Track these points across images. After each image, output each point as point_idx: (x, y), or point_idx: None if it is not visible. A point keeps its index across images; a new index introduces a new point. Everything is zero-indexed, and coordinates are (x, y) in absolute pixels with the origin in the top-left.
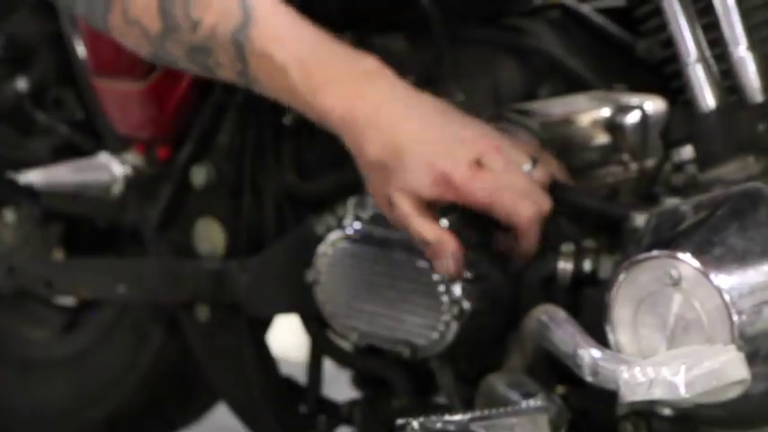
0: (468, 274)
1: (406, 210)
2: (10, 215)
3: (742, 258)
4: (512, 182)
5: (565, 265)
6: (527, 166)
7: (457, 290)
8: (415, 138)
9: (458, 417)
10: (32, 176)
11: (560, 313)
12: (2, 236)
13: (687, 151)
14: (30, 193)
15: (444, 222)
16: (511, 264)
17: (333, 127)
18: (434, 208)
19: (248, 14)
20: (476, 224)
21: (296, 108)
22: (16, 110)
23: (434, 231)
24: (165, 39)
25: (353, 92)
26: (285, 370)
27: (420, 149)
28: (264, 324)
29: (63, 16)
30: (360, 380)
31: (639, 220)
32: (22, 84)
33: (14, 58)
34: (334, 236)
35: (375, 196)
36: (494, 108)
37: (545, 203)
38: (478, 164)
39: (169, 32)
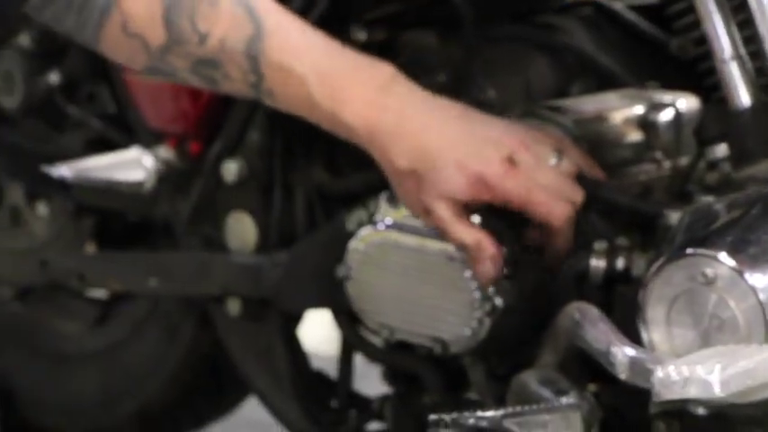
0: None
1: (444, 215)
2: (43, 208)
3: None
4: (544, 178)
5: (597, 263)
6: (553, 160)
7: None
8: (443, 141)
9: (490, 413)
10: (65, 170)
11: (593, 311)
12: (34, 229)
13: (721, 149)
14: (62, 186)
15: (476, 219)
16: (544, 260)
17: (356, 139)
18: (468, 209)
19: (259, 26)
20: (506, 219)
21: (313, 120)
22: (48, 103)
23: (473, 235)
24: (168, 51)
25: (376, 102)
26: (316, 365)
27: (450, 152)
28: (295, 318)
29: None
30: (391, 375)
31: (673, 217)
32: (54, 77)
33: (47, 52)
34: (365, 231)
35: (409, 204)
36: (525, 105)
37: (576, 195)
38: (510, 161)
39: (173, 45)
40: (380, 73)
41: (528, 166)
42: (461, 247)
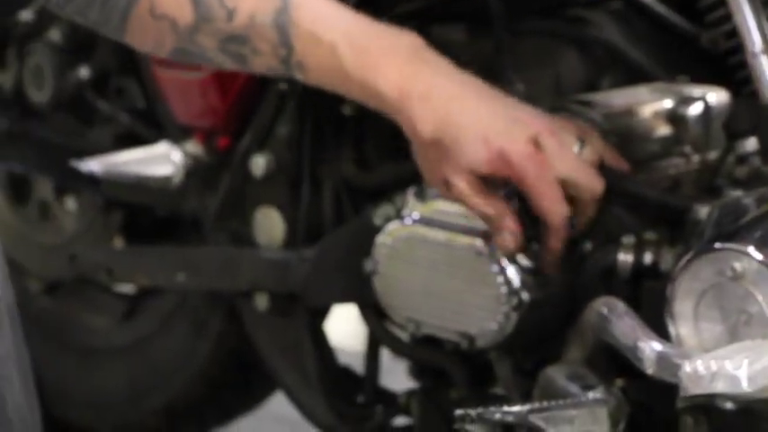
0: (528, 265)
1: (463, 187)
2: (72, 203)
3: None
4: (565, 165)
5: (625, 257)
6: (576, 148)
7: (516, 280)
8: (471, 113)
9: (516, 408)
10: (94, 165)
11: (620, 305)
12: (64, 223)
13: (751, 143)
14: (91, 181)
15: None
16: (571, 255)
17: (386, 106)
18: (490, 186)
19: None
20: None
21: (343, 90)
22: (78, 98)
23: (493, 205)
24: (196, 31)
25: (407, 69)
26: (342, 360)
27: (477, 124)
28: (322, 313)
29: None
30: (417, 370)
31: (702, 212)
32: (83, 72)
33: (77, 47)
34: (392, 226)
35: (430, 175)
36: (555, 99)
37: (597, 185)
38: (535, 143)
39: (202, 23)
40: (410, 41)
41: (551, 151)
42: (483, 217)
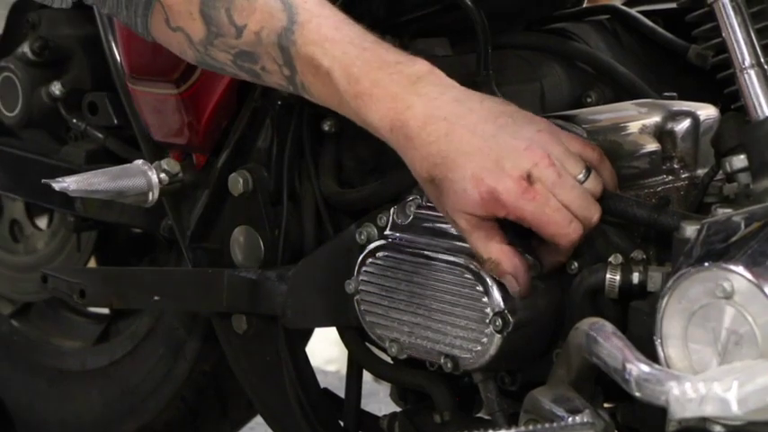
0: None
1: (463, 227)
2: (43, 222)
3: None
4: (563, 195)
5: (613, 277)
6: (581, 177)
7: (501, 301)
8: (462, 150)
9: None
10: (67, 183)
11: (608, 326)
12: (35, 243)
13: (740, 160)
14: (64, 199)
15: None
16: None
17: (383, 139)
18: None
19: (292, 18)
20: (521, 234)
21: (346, 115)
22: (51, 115)
23: (491, 250)
24: (210, 45)
25: (401, 102)
26: (323, 382)
27: (467, 163)
28: (303, 335)
29: (101, 20)
30: (400, 393)
31: (690, 230)
32: (56, 89)
33: (50, 63)
34: (374, 245)
35: (437, 207)
36: (540, 114)
37: (595, 215)
38: (529, 178)
39: (213, 38)
40: (410, 69)
41: (548, 182)
42: (480, 259)
